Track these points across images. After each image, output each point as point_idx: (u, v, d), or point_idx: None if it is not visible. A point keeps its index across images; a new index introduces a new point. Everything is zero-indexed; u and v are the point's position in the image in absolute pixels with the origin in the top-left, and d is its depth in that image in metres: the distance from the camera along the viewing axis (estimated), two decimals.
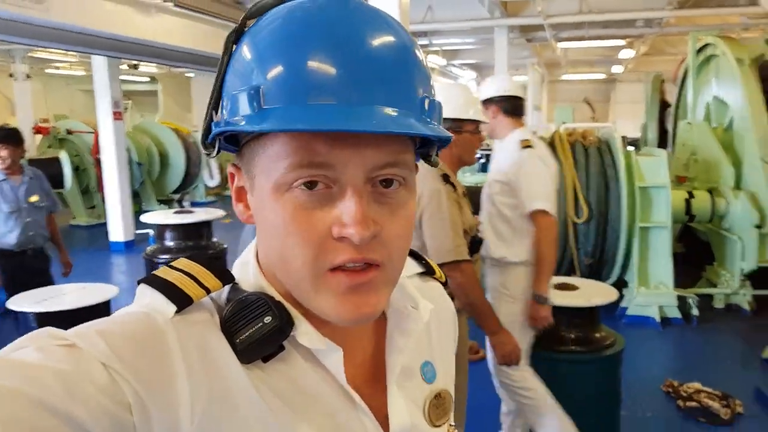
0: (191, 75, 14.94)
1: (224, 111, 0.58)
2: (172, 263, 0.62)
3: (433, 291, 0.78)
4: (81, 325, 0.53)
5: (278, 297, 0.61)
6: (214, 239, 4.52)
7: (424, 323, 0.68)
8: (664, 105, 8.78)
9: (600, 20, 10.02)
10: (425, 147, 0.65)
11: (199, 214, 4.52)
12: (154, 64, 12.56)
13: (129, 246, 8.81)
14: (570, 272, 5.34)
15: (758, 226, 5.28)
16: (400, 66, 0.56)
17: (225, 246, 4.52)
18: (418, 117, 0.56)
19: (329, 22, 0.54)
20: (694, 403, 3.65)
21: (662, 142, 8.42)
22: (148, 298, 0.58)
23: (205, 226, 4.44)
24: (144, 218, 5.03)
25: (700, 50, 6.80)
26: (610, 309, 5.11)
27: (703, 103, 6.76)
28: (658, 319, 5.19)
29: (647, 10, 9.73)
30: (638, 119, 10.22)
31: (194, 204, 4.52)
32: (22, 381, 0.45)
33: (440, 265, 0.83)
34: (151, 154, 11.20)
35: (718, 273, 5.68)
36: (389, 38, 0.55)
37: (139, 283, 0.59)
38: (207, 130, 0.60)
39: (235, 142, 0.61)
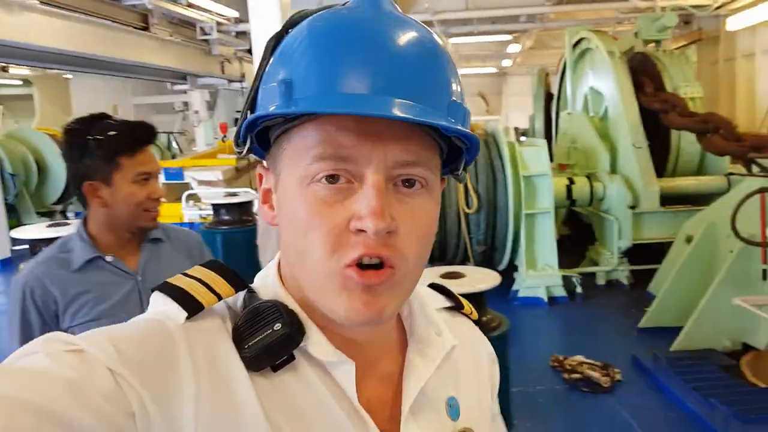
0: (69, 77, 13.99)
1: (259, 108, 0.59)
2: (187, 271, 0.62)
3: (462, 327, 0.75)
4: (94, 330, 0.54)
5: (293, 305, 0.61)
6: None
7: (447, 354, 0.67)
8: (549, 96, 9.27)
9: (486, 16, 10.43)
10: (452, 163, 0.64)
11: (75, 226, 4.26)
12: (27, 67, 11.64)
13: (5, 264, 8.15)
14: (464, 261, 5.53)
15: (632, 207, 5.71)
16: (428, 67, 0.57)
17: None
18: (444, 117, 0.56)
19: (361, 20, 0.56)
20: (577, 375, 3.89)
21: (549, 132, 8.89)
22: (161, 306, 0.58)
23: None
24: (15, 233, 4.71)
25: (576, 44, 7.23)
26: (503, 293, 5.35)
27: (582, 94, 7.20)
28: (545, 298, 5.49)
29: (529, 6, 10.22)
30: (528, 111, 10.73)
31: (78, 215, 4.26)
32: (27, 390, 0.45)
33: None
34: (27, 163, 10.37)
35: (599, 252, 6.08)
36: (419, 40, 0.57)
37: (152, 291, 0.60)
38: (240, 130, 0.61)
39: (266, 145, 0.63)
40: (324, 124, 0.55)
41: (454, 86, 0.59)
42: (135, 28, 8.01)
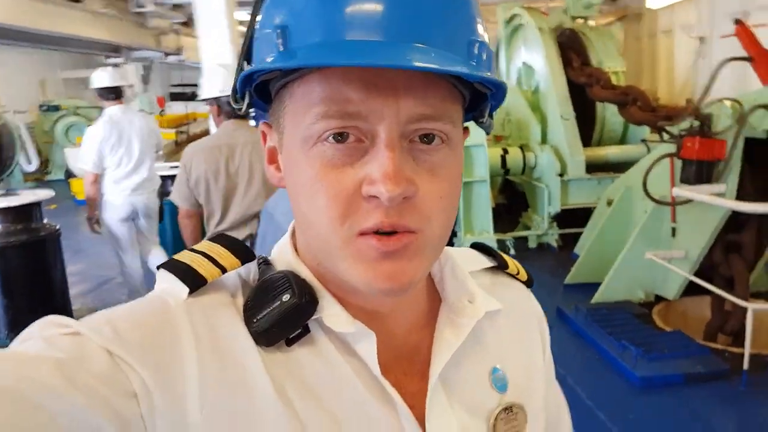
0: None
1: (254, 59, 0.54)
2: (194, 246, 0.58)
3: (508, 289, 0.69)
4: (94, 314, 0.52)
5: (307, 274, 0.57)
6: (45, 221, 4.27)
7: (479, 322, 0.61)
8: None
9: None
10: (475, 108, 0.58)
11: (27, 196, 4.21)
12: None
13: None
14: None
15: (560, 175, 6.09)
16: (444, 4, 0.49)
17: (58, 227, 4.29)
18: (465, 62, 0.50)
19: None
20: None
21: None
22: (165, 283, 0.55)
23: (35, 207, 4.18)
24: None
25: (510, 20, 7.52)
26: None
27: (516, 69, 7.51)
28: None
29: None
30: None
31: (10, 191, 4.17)
32: (12, 376, 0.43)
33: None
34: None
35: (532, 218, 6.48)
36: None
37: (157, 269, 0.57)
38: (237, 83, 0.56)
39: (267, 98, 0.57)
40: (329, 76, 0.49)
41: (477, 25, 0.52)
42: (66, 0, 7.76)
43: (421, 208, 0.50)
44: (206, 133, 3.25)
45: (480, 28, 0.53)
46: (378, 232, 0.49)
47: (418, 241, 0.51)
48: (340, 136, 0.49)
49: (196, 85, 6.87)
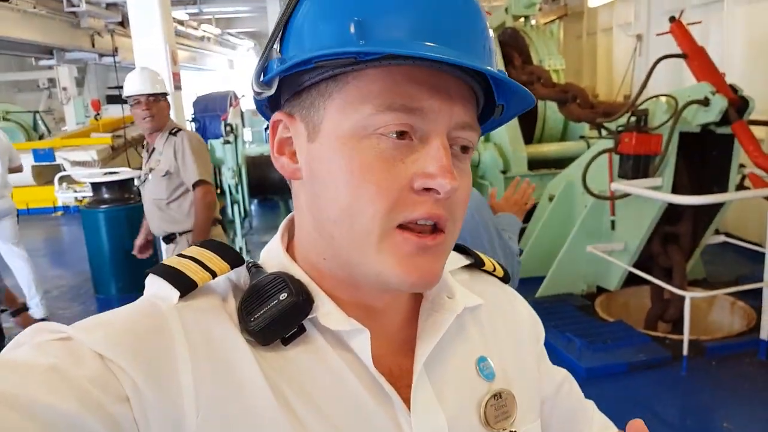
0: None
1: (295, 47, 0.54)
2: (182, 251, 0.59)
3: (486, 285, 0.72)
4: (85, 319, 0.52)
5: (300, 274, 0.58)
6: None
7: (463, 315, 0.64)
8: None
9: None
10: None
11: None
12: None
13: None
14: None
15: (503, 172, 6.17)
16: (484, 26, 0.55)
17: None
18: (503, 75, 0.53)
19: None
20: None
21: None
22: (154, 288, 0.55)
23: None
24: None
25: None
26: None
27: None
28: None
29: None
30: None
31: None
32: (10, 385, 0.43)
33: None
34: None
35: None
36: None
37: (146, 273, 0.56)
38: (263, 69, 0.55)
39: (282, 89, 0.57)
40: (393, 72, 0.51)
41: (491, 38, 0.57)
42: None
43: (454, 208, 0.54)
44: (143, 137, 3.14)
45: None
46: (416, 228, 0.52)
47: (446, 242, 0.55)
48: (401, 135, 0.51)
49: None
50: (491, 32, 0.57)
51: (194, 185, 3.10)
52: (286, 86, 0.57)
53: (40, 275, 4.86)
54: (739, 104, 3.65)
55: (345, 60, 0.51)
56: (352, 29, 0.50)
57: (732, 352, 3.63)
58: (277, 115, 0.58)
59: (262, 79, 0.56)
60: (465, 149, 0.55)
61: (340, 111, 0.53)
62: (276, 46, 0.55)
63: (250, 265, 0.60)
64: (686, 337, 3.45)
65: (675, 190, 3.89)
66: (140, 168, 3.53)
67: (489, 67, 0.50)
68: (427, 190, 0.51)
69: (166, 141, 3.15)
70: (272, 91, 0.56)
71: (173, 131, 3.17)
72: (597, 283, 4.58)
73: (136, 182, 3.43)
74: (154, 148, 3.21)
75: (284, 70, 0.53)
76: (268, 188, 7.19)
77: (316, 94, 0.54)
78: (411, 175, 0.51)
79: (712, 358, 3.58)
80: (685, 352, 3.46)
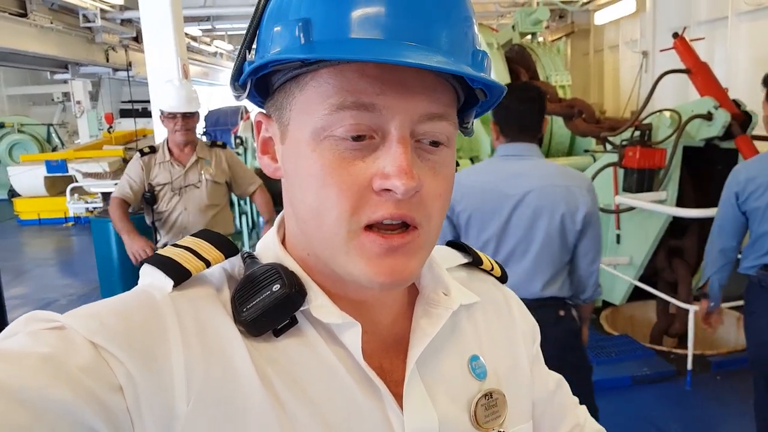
0: None
1: (262, 49, 0.54)
2: (177, 241, 0.59)
3: (484, 284, 0.71)
4: (79, 307, 0.52)
5: (294, 267, 0.57)
6: None
7: (458, 313, 0.63)
8: None
9: None
10: (463, 113, 0.60)
11: None
12: None
13: None
14: None
15: None
16: (453, 13, 0.52)
17: None
18: (470, 66, 0.52)
19: None
20: None
21: None
22: (149, 277, 0.55)
23: None
24: None
25: None
26: None
27: None
28: None
29: None
30: None
31: None
32: (3, 374, 0.43)
33: None
34: None
35: None
36: None
37: (141, 264, 0.57)
38: (238, 71, 0.55)
39: (264, 89, 0.57)
40: (344, 70, 0.50)
41: (476, 30, 0.55)
42: (11, 14, 7.54)
43: (424, 205, 0.52)
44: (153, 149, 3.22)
45: (480, 37, 0.56)
46: (382, 227, 0.51)
47: (420, 239, 0.53)
48: (358, 138, 0.51)
49: (147, 101, 6.74)
50: (468, 11, 0.54)
51: (255, 189, 3.68)
52: (262, 88, 0.58)
53: (49, 284, 4.91)
54: (742, 119, 3.67)
55: (297, 63, 0.51)
56: (297, 31, 0.49)
57: (737, 367, 3.60)
58: (258, 116, 0.60)
59: (238, 81, 0.56)
60: (435, 145, 0.53)
61: (302, 112, 0.53)
62: (251, 48, 0.56)
63: (245, 255, 0.60)
64: (690, 351, 3.44)
65: (680, 203, 3.90)
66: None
67: (439, 60, 0.48)
68: (387, 190, 0.50)
69: (210, 152, 3.39)
70: (246, 93, 0.57)
71: (215, 144, 3.50)
72: (602, 297, 4.57)
73: (169, 189, 3.29)
74: (198, 158, 3.35)
75: (249, 73, 0.54)
76: (277, 199, 7.26)
77: (283, 95, 0.55)
78: (371, 175, 0.51)
79: (716, 373, 3.57)
80: (689, 366, 3.45)
